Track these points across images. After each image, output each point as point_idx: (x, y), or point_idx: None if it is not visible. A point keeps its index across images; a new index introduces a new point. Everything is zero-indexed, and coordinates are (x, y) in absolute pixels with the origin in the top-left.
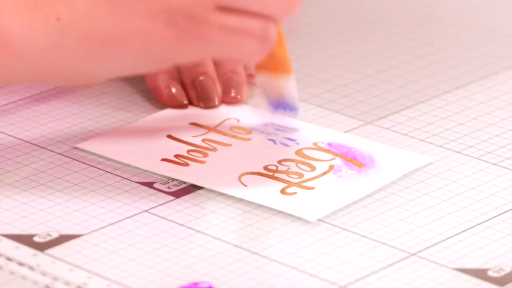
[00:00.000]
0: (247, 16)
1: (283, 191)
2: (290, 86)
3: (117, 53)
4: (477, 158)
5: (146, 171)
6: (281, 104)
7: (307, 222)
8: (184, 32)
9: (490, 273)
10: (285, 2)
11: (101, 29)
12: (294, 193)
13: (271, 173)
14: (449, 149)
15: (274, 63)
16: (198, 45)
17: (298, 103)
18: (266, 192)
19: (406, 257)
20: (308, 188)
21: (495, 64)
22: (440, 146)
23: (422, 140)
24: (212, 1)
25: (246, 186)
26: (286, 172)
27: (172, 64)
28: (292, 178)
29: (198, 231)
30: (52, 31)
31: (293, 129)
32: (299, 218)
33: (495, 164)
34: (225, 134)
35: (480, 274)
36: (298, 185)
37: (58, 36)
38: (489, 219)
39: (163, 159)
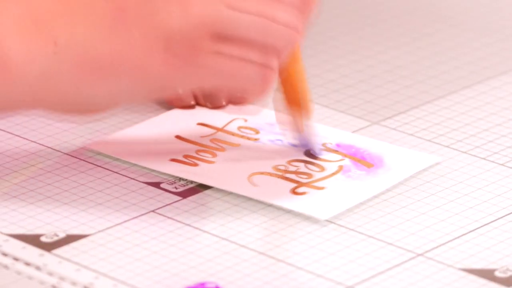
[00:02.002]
0: (247, 45)
1: (293, 191)
2: (309, 128)
3: (112, 79)
4: (483, 158)
5: (153, 171)
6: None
7: (314, 222)
8: (181, 60)
9: (497, 273)
10: (287, 32)
11: (97, 53)
12: (305, 193)
13: (280, 173)
14: (456, 150)
15: (292, 98)
16: (195, 73)
17: (319, 146)
18: (277, 192)
19: (413, 258)
20: (318, 188)
21: (501, 64)
22: (447, 146)
23: (429, 140)
24: (210, 29)
25: (256, 186)
26: (296, 172)
27: (169, 92)
28: (302, 178)
29: (205, 231)
30: (49, 55)
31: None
32: (306, 218)
33: (502, 165)
34: (233, 134)
35: (487, 274)
36: (308, 185)
37: (55, 60)
38: (496, 220)
39: (172, 159)
